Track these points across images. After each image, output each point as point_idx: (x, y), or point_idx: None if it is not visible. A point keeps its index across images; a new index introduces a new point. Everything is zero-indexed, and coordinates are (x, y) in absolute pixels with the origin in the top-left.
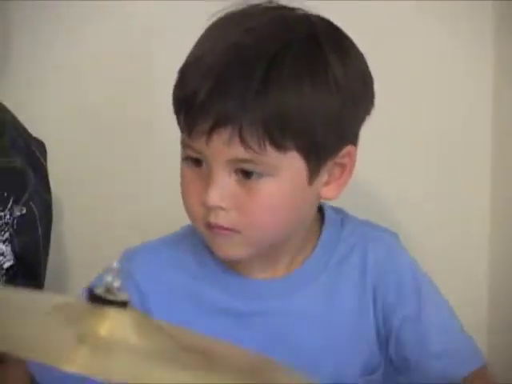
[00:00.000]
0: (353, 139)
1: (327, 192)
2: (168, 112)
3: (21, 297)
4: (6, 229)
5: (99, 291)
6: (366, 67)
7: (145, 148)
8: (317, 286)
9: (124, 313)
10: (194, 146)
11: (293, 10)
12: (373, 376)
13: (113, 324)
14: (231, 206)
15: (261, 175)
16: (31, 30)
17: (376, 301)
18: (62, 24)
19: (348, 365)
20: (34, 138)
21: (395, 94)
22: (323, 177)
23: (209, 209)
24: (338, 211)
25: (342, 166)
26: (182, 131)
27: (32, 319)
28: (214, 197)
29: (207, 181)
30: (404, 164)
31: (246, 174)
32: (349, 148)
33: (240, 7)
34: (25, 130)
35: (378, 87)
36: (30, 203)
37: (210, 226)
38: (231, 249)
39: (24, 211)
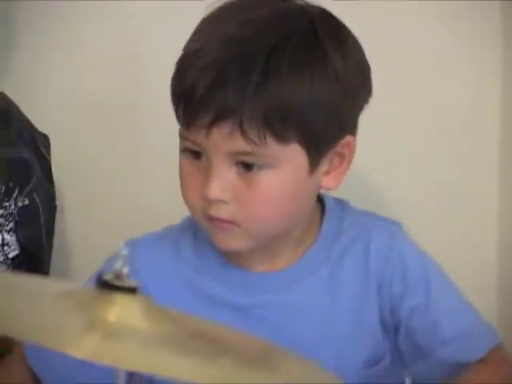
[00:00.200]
0: (352, 129)
1: (327, 182)
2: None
3: (31, 283)
4: (11, 219)
5: (108, 277)
6: (364, 56)
7: (145, 147)
8: (317, 279)
9: (133, 299)
10: (193, 139)
11: (289, 0)
12: (376, 367)
13: (122, 310)
14: (232, 198)
15: (261, 167)
16: (34, 30)
17: (382, 292)
18: (65, 24)
19: (350, 357)
20: (39, 131)
21: (395, 93)
22: (323, 167)
23: (209, 202)
24: (339, 202)
25: (342, 155)
26: (180, 124)
27: (42, 305)
28: (215, 190)
29: (207, 174)
30: (404, 165)
31: (247, 167)
32: (348, 138)
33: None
34: (29, 123)
35: (377, 87)
36: (33, 194)
37: (210, 218)
38: (232, 241)
39: (26, 202)
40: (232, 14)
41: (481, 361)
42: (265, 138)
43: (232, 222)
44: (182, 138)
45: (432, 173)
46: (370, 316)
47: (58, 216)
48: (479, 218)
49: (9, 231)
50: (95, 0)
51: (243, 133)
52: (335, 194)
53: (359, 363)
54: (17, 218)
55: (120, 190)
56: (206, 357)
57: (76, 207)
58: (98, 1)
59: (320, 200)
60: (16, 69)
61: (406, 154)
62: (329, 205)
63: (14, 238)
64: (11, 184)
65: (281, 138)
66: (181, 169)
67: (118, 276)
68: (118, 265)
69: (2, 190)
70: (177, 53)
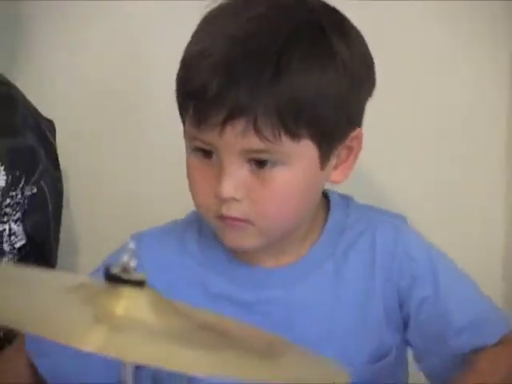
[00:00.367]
0: (359, 121)
1: (335, 176)
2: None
3: (38, 276)
4: (18, 208)
5: (116, 271)
6: (367, 47)
7: (146, 145)
8: (322, 275)
9: (140, 292)
10: (204, 138)
11: None
12: (381, 363)
13: (129, 303)
14: (244, 196)
15: (275, 164)
16: (36, 29)
17: (389, 286)
18: (67, 24)
19: (354, 352)
20: (44, 117)
21: (395, 93)
22: (332, 161)
23: (222, 200)
24: (344, 197)
25: (350, 148)
26: (189, 124)
27: (49, 298)
28: (228, 188)
29: (219, 172)
30: (404, 165)
31: (260, 164)
32: (357, 131)
33: None
34: (35, 110)
35: (378, 87)
36: (41, 182)
37: (222, 218)
38: (243, 240)
39: (35, 190)
40: (234, 13)
41: (495, 345)
42: (279, 135)
43: (245, 221)
44: (192, 137)
45: (432, 173)
46: (375, 311)
47: (63, 211)
48: (480, 219)
49: (16, 221)
50: (97, 0)
51: (257, 131)
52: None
53: (363, 359)
54: (25, 207)
55: (123, 188)
56: (212, 350)
57: (81, 202)
58: (99, 1)
59: (324, 195)
60: (21, 69)
61: (405, 153)
62: (334, 200)
63: (20, 227)
64: (18, 173)
65: (294, 135)
66: (190, 169)
67: (126, 269)
68: (125, 258)
69: (9, 180)
70: (177, 53)
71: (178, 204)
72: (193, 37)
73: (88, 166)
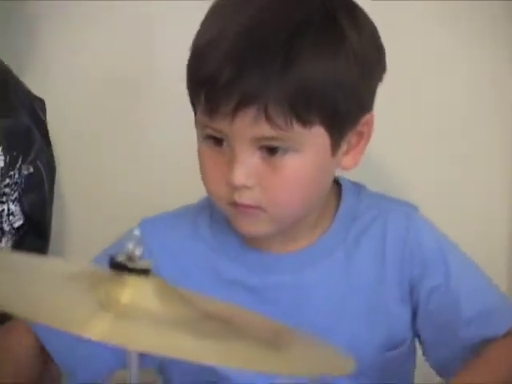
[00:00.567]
0: (370, 106)
1: (346, 161)
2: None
3: (43, 264)
4: (16, 188)
5: (121, 259)
6: (376, 31)
7: (145, 147)
8: (332, 261)
9: (145, 280)
10: (215, 126)
11: None
12: (395, 351)
13: (134, 291)
14: (256, 183)
15: (286, 151)
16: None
17: (399, 275)
18: (68, 23)
19: (364, 341)
20: (35, 95)
21: (395, 93)
22: (343, 147)
23: (234, 188)
24: (355, 184)
25: (360, 134)
26: (201, 112)
27: (54, 286)
28: (240, 176)
29: (231, 160)
30: (403, 165)
31: (271, 151)
32: (367, 116)
33: None
34: (27, 90)
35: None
36: (37, 162)
37: (234, 205)
38: (255, 226)
39: (31, 170)
40: (244, 1)
41: (504, 336)
42: (291, 122)
43: (257, 208)
44: (203, 125)
45: (432, 173)
46: (386, 299)
47: (63, 211)
48: (483, 220)
49: (13, 201)
50: (99, 0)
51: (268, 118)
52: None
53: (375, 347)
54: (22, 186)
55: (123, 188)
56: (218, 338)
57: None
58: (101, 1)
59: (336, 182)
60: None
61: (405, 154)
62: (346, 187)
63: (18, 207)
64: (15, 153)
65: (305, 122)
66: (202, 157)
67: (131, 257)
68: (130, 246)
69: (7, 160)
70: (177, 54)
71: (179, 204)
72: (202, 25)
73: (88, 166)
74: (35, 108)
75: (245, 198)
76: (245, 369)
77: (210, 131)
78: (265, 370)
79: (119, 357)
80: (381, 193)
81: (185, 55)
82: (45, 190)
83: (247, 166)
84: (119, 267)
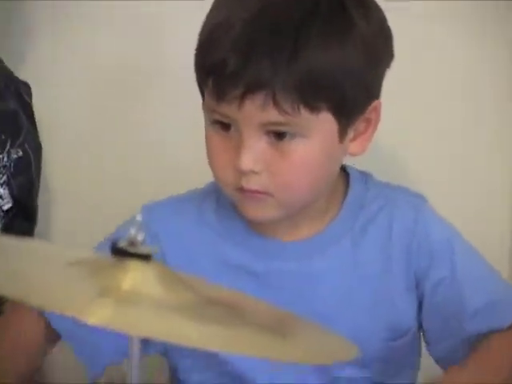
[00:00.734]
0: (378, 93)
1: (354, 148)
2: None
3: (44, 248)
4: (4, 171)
5: (122, 244)
6: (385, 18)
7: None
8: (339, 249)
9: (147, 266)
10: (222, 111)
11: None
12: (399, 341)
13: (136, 277)
14: (263, 168)
15: (293, 136)
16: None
17: (406, 265)
18: (70, 25)
19: (368, 330)
20: (19, 79)
21: (395, 93)
22: (351, 134)
23: (241, 173)
24: (363, 173)
25: (368, 120)
26: (209, 97)
27: (57, 272)
28: (247, 161)
29: (238, 145)
30: (403, 167)
31: (278, 136)
32: (375, 103)
33: None
34: (12, 74)
35: None
36: (25, 145)
37: (241, 190)
38: (262, 211)
39: (20, 153)
40: None
41: (509, 327)
42: (298, 108)
43: (265, 193)
44: (211, 110)
45: (432, 174)
46: (392, 288)
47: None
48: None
49: (2, 184)
50: (101, 0)
51: (276, 104)
52: None
53: (379, 336)
54: (11, 170)
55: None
56: (221, 324)
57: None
58: (103, 1)
59: (343, 170)
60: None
61: (405, 154)
62: (353, 175)
63: (7, 191)
64: (3, 137)
65: (313, 108)
66: (209, 142)
67: (133, 243)
68: (132, 231)
69: None
70: (178, 54)
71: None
72: (210, 13)
73: (87, 166)
74: (21, 92)
75: (252, 183)
76: (247, 355)
77: (217, 116)
78: (268, 356)
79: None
80: (388, 182)
81: (185, 55)
82: (32, 173)
83: (255, 151)
84: (121, 253)
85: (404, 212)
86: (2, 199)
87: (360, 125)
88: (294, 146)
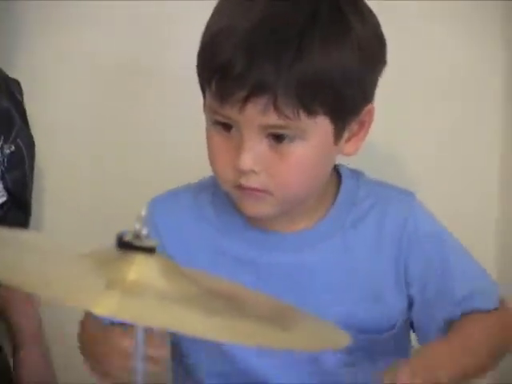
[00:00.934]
0: (372, 97)
1: (348, 148)
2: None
3: (53, 242)
4: None
5: (128, 238)
6: (379, 24)
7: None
8: (330, 246)
9: (151, 259)
10: (224, 113)
11: None
12: (385, 335)
13: (140, 269)
14: (262, 169)
15: (292, 139)
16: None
17: (398, 263)
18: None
19: (358, 325)
20: (9, 77)
21: (395, 94)
22: (346, 135)
23: (241, 172)
24: (354, 171)
25: (362, 122)
26: (211, 98)
27: (65, 264)
28: (247, 161)
29: (239, 145)
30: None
31: (278, 138)
32: (369, 106)
33: None
34: (2, 71)
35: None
36: (18, 140)
37: (240, 187)
38: (260, 208)
39: (13, 149)
40: None
41: (486, 312)
42: (298, 113)
43: (264, 191)
44: (212, 111)
45: (432, 174)
46: (383, 284)
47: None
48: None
49: None
50: (99, 0)
51: (277, 108)
52: None
53: (368, 331)
54: (5, 164)
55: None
56: (220, 314)
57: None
58: (101, 1)
59: (334, 169)
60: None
61: (405, 154)
62: (345, 173)
63: (1, 185)
64: None
65: (311, 112)
66: (210, 141)
67: (138, 236)
68: (137, 226)
69: None
70: (178, 56)
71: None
72: (213, 16)
73: (87, 166)
74: (12, 90)
75: (252, 182)
76: (247, 344)
77: (219, 117)
78: (266, 345)
79: None
80: (378, 179)
81: (185, 55)
82: (26, 167)
83: (255, 152)
84: (126, 246)
85: (395, 209)
86: None
87: (354, 127)
88: (293, 148)
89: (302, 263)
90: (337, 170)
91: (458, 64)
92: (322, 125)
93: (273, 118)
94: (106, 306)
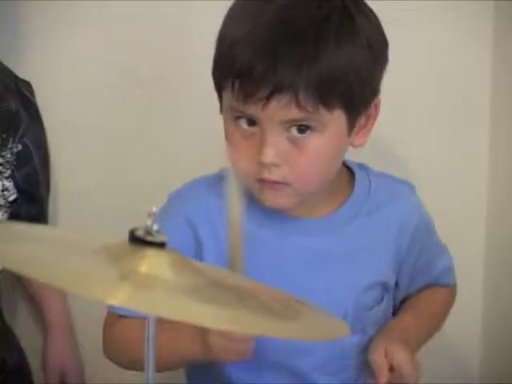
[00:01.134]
0: (379, 91)
1: (358, 140)
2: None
3: (71, 236)
4: (8, 166)
5: (140, 233)
6: (382, 27)
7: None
8: (348, 231)
9: (161, 253)
10: (247, 111)
11: None
12: (378, 307)
13: (152, 262)
14: (283, 161)
15: (312, 132)
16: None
17: (397, 248)
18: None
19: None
20: (21, 79)
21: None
22: (356, 128)
23: (263, 166)
24: (360, 165)
25: (368, 115)
26: (232, 98)
27: (81, 257)
28: (270, 155)
29: (260, 140)
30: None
31: (298, 131)
32: (376, 100)
33: None
34: (12, 73)
35: None
36: (24, 139)
37: (261, 181)
38: (280, 199)
39: (20, 147)
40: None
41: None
42: (317, 107)
43: (283, 183)
44: (234, 109)
45: (431, 173)
46: (387, 276)
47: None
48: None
49: (7, 178)
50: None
51: (298, 104)
52: None
53: (370, 305)
54: (14, 163)
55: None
56: (226, 304)
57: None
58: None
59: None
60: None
61: (404, 155)
62: (353, 166)
63: (12, 183)
64: (4, 135)
65: (329, 106)
66: (231, 137)
67: (149, 232)
68: (148, 222)
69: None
70: (179, 59)
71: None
72: (229, 20)
73: (88, 166)
74: (22, 90)
75: (274, 174)
76: (253, 333)
77: (239, 114)
78: (271, 334)
79: None
80: (381, 172)
81: (186, 59)
82: (35, 163)
83: (276, 146)
84: (138, 241)
85: (402, 200)
86: (8, 191)
87: (362, 119)
88: (311, 141)
89: (320, 248)
90: (343, 163)
91: (457, 64)
92: (337, 118)
93: (294, 113)
94: (119, 297)
